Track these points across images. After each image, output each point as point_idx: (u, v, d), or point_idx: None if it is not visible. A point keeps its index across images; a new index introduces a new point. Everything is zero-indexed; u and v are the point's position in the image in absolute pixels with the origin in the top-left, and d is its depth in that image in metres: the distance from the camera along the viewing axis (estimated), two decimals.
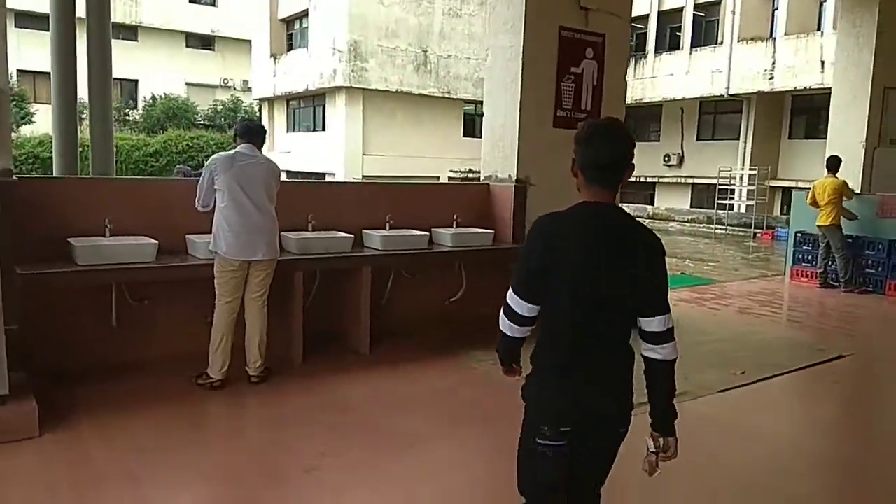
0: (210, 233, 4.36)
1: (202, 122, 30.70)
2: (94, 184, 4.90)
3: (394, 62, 23.47)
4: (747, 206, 22.02)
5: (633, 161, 2.04)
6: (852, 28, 9.63)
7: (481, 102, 24.93)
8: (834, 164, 8.54)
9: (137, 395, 4.12)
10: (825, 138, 21.85)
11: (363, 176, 23.29)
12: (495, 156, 6.35)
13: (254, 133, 4.39)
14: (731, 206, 21.46)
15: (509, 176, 6.21)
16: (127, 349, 4.64)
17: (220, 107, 31.64)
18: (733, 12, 22.56)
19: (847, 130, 9.72)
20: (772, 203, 22.67)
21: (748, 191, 21.63)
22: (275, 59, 26.49)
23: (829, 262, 8.66)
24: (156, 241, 4.37)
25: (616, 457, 2.11)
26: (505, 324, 2.09)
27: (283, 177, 4.31)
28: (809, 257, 9.02)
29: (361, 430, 3.76)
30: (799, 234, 9.17)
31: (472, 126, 26.04)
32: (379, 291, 5.47)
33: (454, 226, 5.99)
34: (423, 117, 24.44)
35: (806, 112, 22.94)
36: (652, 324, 2.01)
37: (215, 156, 4.29)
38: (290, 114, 27.24)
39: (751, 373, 4.91)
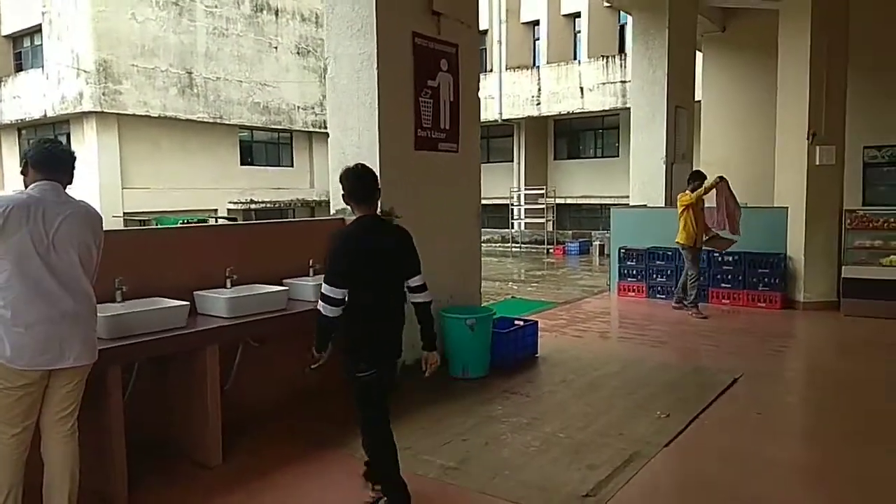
0: None
1: None
2: None
3: (153, 84, 20.80)
4: (526, 223, 23.33)
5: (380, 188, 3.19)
6: (645, 50, 10.11)
7: (258, 128, 23.36)
8: (690, 178, 8.08)
9: None
10: (585, 158, 24.47)
11: (124, 213, 20.31)
12: None
13: (59, 162, 2.79)
14: (513, 225, 22.61)
15: None
16: None
17: None
18: (500, 42, 23.70)
19: (648, 148, 10.14)
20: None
21: (535, 209, 22.82)
22: (0, 81, 22.12)
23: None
24: None
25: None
26: (327, 309, 2.95)
27: None
28: (634, 272, 9.18)
29: None
30: (622, 250, 9.30)
31: (249, 153, 24.18)
32: (223, 372, 4.06)
33: (311, 273, 4.78)
34: (192, 145, 22.02)
35: (567, 135, 24.92)
36: (415, 280, 3.18)
37: None
38: (24, 145, 22.87)
39: (673, 414, 4.42)
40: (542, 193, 23.08)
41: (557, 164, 24.90)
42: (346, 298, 2.93)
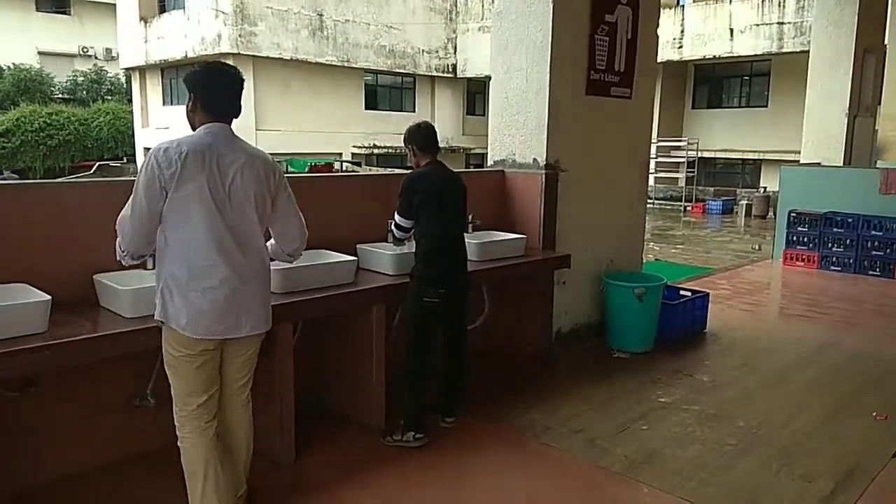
0: (140, 268, 2.59)
1: (60, 95, 26.74)
2: None
3: (286, 27, 21.02)
4: (657, 177, 21.88)
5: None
6: None
7: (384, 72, 23.01)
8: None
9: None
10: (728, 107, 22.49)
11: None
12: (511, 133, 4.81)
13: (227, 99, 2.40)
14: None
15: (534, 160, 4.71)
16: None
17: (81, 78, 27.73)
18: None
19: (828, 98, 8.95)
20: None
21: (668, 162, 21.38)
22: (145, 23, 23.14)
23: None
24: (47, 297, 2.51)
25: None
26: (398, 234, 3.49)
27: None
28: (805, 239, 8.19)
29: None
30: (793, 214, 8.30)
31: (374, 98, 24.19)
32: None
33: (470, 230, 4.41)
34: (321, 88, 22.22)
35: (708, 81, 22.98)
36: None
37: (165, 144, 2.33)
38: (167, 85, 24.01)
39: (892, 417, 3.75)
40: (678, 145, 21.52)
41: (695, 114, 23.12)
42: (412, 229, 3.39)
